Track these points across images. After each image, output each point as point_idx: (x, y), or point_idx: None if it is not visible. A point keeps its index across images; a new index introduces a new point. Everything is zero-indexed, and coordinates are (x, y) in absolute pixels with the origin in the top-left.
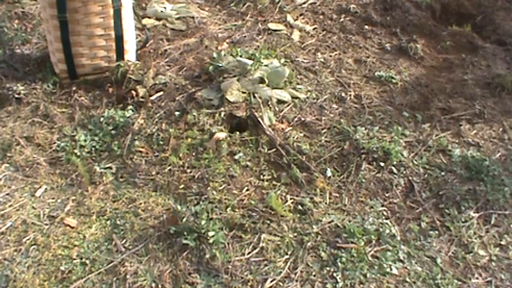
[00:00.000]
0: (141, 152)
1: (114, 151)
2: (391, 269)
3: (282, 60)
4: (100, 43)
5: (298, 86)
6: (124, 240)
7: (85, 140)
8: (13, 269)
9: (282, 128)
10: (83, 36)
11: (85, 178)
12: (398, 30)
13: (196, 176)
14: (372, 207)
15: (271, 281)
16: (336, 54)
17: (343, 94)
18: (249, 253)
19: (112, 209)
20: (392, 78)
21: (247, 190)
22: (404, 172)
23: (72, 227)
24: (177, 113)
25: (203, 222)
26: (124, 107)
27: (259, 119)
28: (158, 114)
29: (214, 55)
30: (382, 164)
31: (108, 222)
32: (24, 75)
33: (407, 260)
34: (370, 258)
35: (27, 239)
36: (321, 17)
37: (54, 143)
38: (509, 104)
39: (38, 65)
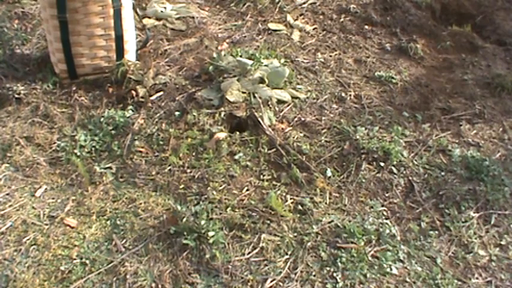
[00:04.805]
0: (141, 152)
1: (114, 151)
2: (391, 269)
3: (282, 60)
4: (100, 43)
5: (298, 86)
6: (124, 240)
7: (85, 140)
8: (13, 269)
9: (282, 128)
10: (83, 36)
11: (85, 178)
12: (398, 30)
13: (196, 176)
14: (372, 207)
15: (271, 281)
16: (336, 54)
17: (343, 94)
18: (249, 253)
19: (112, 209)
20: (392, 78)
21: (247, 190)
22: (404, 172)
23: (72, 227)
24: (177, 113)
25: (203, 222)
26: (124, 107)
27: (259, 119)
28: (158, 114)
29: (214, 55)
30: (382, 164)
31: (108, 222)
32: (24, 75)
33: (407, 260)
34: (370, 258)
35: (27, 239)
36: (321, 17)
37: (54, 143)
38: (509, 104)
39: (38, 65)
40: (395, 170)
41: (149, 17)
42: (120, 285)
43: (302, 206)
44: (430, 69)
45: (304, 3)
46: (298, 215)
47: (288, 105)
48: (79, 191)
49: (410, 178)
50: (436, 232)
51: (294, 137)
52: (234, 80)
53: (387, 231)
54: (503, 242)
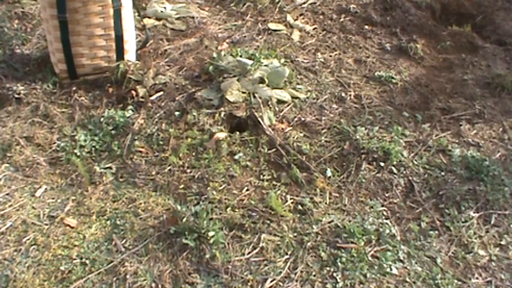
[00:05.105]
0: (141, 152)
1: (114, 151)
2: (391, 269)
3: (282, 60)
4: (100, 43)
5: (298, 86)
6: (124, 240)
7: (85, 140)
8: (13, 269)
9: (282, 128)
10: (83, 36)
11: (85, 178)
12: (398, 30)
13: (196, 176)
14: (372, 207)
15: (271, 281)
16: (336, 54)
17: (343, 94)
18: (249, 253)
19: (112, 209)
20: (392, 78)
21: (247, 190)
22: (404, 172)
23: (72, 227)
24: (177, 113)
25: (203, 222)
26: (124, 107)
27: (259, 119)
28: (158, 114)
29: (214, 55)
30: (382, 164)
31: (108, 222)
32: (24, 75)
33: (407, 260)
34: (370, 258)
35: (27, 239)
36: (321, 17)
37: (54, 143)
38: (509, 104)
39: (38, 65)
40: (395, 170)
41: (149, 17)
42: (120, 285)
43: (302, 206)
44: (430, 69)
45: (304, 3)
46: (298, 215)
47: (288, 105)
48: (79, 191)
49: (410, 178)
50: (436, 232)
51: (294, 137)
52: (234, 80)
53: (387, 231)
54: (503, 242)
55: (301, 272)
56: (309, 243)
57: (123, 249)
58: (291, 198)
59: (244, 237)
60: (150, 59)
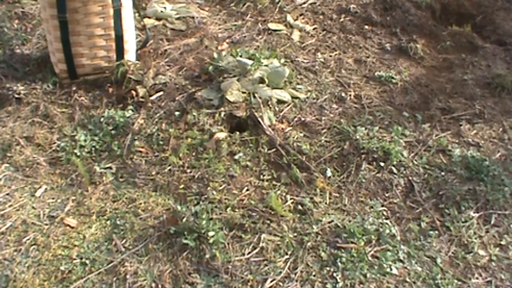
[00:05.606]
0: (141, 152)
1: (114, 151)
2: (391, 269)
3: (282, 60)
4: (100, 43)
5: (298, 86)
6: (124, 240)
7: (85, 140)
8: (13, 269)
9: (282, 128)
10: (83, 36)
11: (85, 178)
12: (398, 30)
13: (196, 176)
14: (372, 207)
15: (271, 281)
16: (336, 54)
17: (343, 94)
18: (249, 253)
19: (112, 209)
20: (392, 78)
21: (247, 190)
22: (404, 172)
23: (72, 227)
24: (177, 113)
25: (203, 222)
26: (124, 107)
27: (259, 119)
28: (158, 114)
29: (214, 55)
30: (382, 164)
31: (108, 222)
32: (24, 75)
33: (407, 260)
34: (370, 258)
35: (27, 239)
36: (321, 17)
37: (54, 143)
38: (509, 104)
39: (38, 65)
40: (395, 170)
41: (149, 17)
42: (120, 285)
43: (302, 206)
44: (430, 69)
45: (304, 3)
46: (298, 215)
47: (288, 105)
48: (79, 191)
49: (410, 178)
50: (436, 232)
51: (294, 137)
52: (234, 80)
53: (387, 231)
54: (503, 242)
55: (301, 272)
56: (309, 243)
57: (123, 249)
58: (291, 198)
59: (244, 237)
60: (150, 59)
